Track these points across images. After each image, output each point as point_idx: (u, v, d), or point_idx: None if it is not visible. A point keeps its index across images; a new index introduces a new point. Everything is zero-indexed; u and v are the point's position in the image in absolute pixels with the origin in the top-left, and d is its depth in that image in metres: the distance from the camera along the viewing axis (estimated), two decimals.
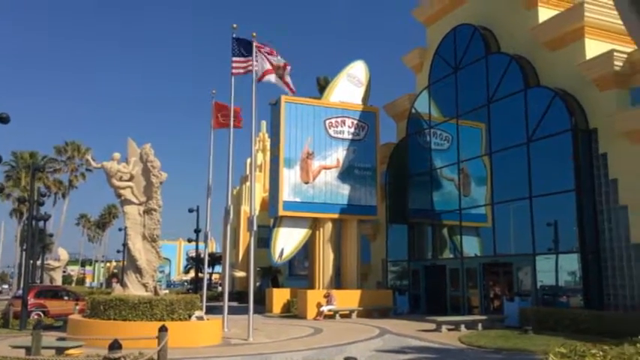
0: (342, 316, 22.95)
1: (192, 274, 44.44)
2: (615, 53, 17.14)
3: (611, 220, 17.44)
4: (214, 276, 58.24)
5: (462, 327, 17.50)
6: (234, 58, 17.58)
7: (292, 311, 24.89)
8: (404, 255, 25.80)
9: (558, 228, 18.65)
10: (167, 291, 31.06)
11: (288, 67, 16.73)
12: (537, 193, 19.04)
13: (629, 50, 17.22)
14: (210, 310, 21.28)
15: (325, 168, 25.10)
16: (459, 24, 23.46)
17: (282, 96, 24.63)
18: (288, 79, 17.36)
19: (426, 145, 25.01)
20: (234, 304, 32.59)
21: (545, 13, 20.29)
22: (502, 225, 20.83)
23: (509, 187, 20.40)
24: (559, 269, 18.58)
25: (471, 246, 22.60)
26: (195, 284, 36.00)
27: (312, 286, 24.84)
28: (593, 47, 18.56)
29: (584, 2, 18.48)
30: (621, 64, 17.26)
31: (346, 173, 25.40)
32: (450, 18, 24.48)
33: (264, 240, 30.79)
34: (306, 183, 24.68)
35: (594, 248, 17.60)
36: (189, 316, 14.33)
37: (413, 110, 25.82)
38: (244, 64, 17.41)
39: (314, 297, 23.36)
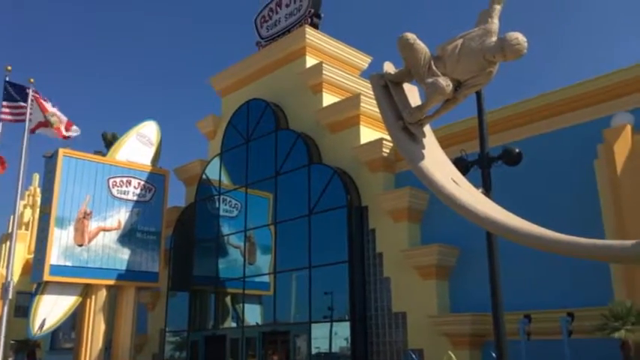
0: None
1: None
2: (384, 141, 19.51)
3: (377, 291, 19.18)
4: None
5: None
6: (5, 103, 15.71)
7: None
8: (184, 325, 24.71)
9: (333, 297, 19.85)
10: None
11: (73, 127, 15.56)
12: (316, 263, 20.14)
13: None
14: None
15: (104, 230, 23.28)
16: (252, 98, 24.52)
17: (61, 149, 22.55)
18: (65, 132, 16.02)
19: (214, 212, 24.95)
20: None
21: (328, 99, 22.37)
22: (283, 293, 21.43)
23: (291, 256, 21.24)
24: (333, 336, 19.60)
25: (252, 315, 22.69)
26: None
27: None
28: (367, 134, 20.91)
29: (360, 94, 20.90)
30: (388, 151, 19.68)
31: (128, 236, 23.87)
32: (245, 91, 25.46)
33: (24, 308, 26.90)
34: (81, 245, 22.51)
35: (362, 316, 19.05)
36: None
37: (204, 176, 25.72)
38: (16, 111, 15.63)
39: None
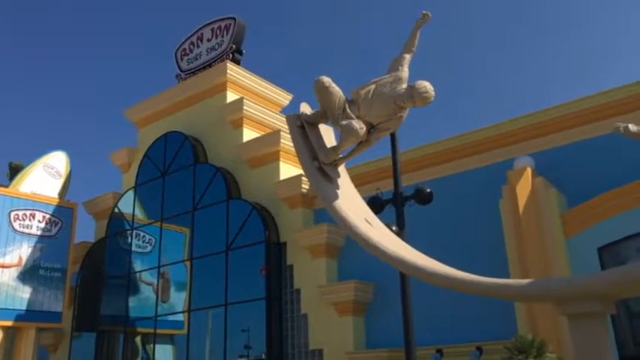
0: None
1: None
2: (302, 178, 19.66)
3: (294, 328, 19.03)
4: None
5: None
6: None
7: None
8: None
9: (250, 335, 19.45)
10: None
11: None
12: (233, 300, 19.71)
13: None
14: None
15: (3, 266, 21.61)
16: (170, 130, 24.03)
17: None
18: None
19: (126, 247, 23.90)
20: None
21: (248, 134, 22.37)
22: (198, 332, 20.73)
23: (207, 293, 20.68)
24: None
25: (164, 355, 21.73)
26: None
27: None
28: (287, 170, 21.02)
29: (280, 130, 21.08)
30: (307, 187, 19.86)
31: (29, 273, 22.29)
32: (163, 123, 24.93)
33: None
34: None
35: (279, 354, 18.77)
36: None
37: (116, 209, 24.68)
38: None
39: None
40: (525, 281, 5.66)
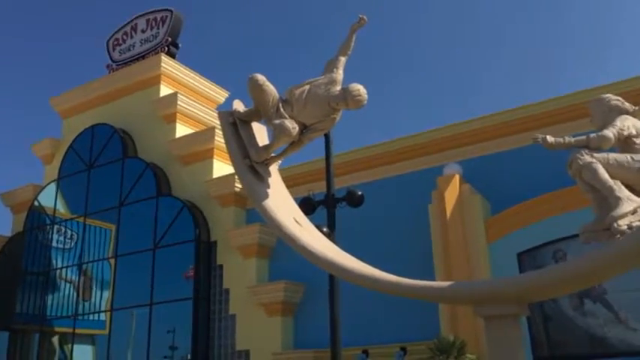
0: None
1: None
2: (236, 176, 19.46)
3: (221, 328, 18.76)
4: None
5: None
6: None
7: None
8: None
9: (176, 335, 18.99)
10: None
11: None
12: (159, 299, 19.18)
13: None
14: None
15: None
16: (98, 122, 23.08)
17: None
18: None
19: (46, 242, 22.74)
20: None
21: (182, 130, 21.85)
22: (120, 332, 20.02)
23: (132, 292, 20.01)
24: None
25: (83, 356, 20.86)
26: None
27: None
28: (220, 168, 20.69)
29: (214, 127, 20.73)
30: (240, 186, 19.63)
31: None
32: (90, 114, 23.89)
33: None
34: None
35: (204, 355, 18.44)
36: None
37: (36, 203, 23.42)
38: None
39: None
40: (446, 283, 5.84)
